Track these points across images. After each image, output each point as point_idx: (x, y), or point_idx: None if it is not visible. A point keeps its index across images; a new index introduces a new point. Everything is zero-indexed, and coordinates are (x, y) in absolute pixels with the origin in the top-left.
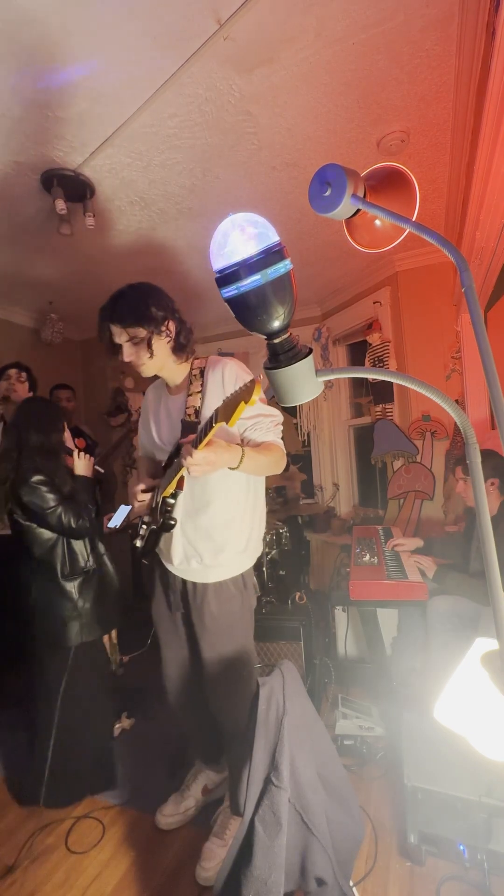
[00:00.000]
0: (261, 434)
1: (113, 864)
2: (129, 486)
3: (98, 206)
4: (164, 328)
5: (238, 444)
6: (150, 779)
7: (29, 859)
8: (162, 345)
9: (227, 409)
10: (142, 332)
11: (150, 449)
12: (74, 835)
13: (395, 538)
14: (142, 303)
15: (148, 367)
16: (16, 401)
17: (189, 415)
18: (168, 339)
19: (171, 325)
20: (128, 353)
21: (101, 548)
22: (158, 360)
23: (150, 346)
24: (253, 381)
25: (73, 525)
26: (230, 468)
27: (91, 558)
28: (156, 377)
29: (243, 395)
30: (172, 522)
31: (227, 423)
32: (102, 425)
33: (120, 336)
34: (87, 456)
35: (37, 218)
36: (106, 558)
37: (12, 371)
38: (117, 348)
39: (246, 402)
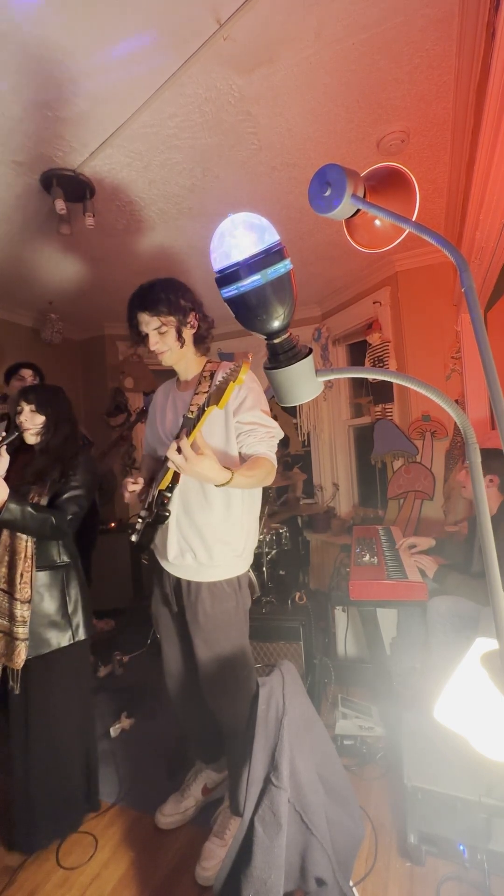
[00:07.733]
0: (254, 441)
1: (113, 863)
2: None
3: (98, 206)
4: (189, 319)
5: (230, 470)
6: (150, 779)
7: (29, 859)
8: (188, 335)
9: (218, 392)
10: (172, 321)
11: (154, 444)
12: (73, 837)
13: (407, 538)
14: (172, 293)
15: (170, 355)
16: None
17: (191, 412)
18: (193, 329)
19: (195, 317)
20: (154, 341)
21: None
22: (182, 348)
23: (179, 334)
24: (240, 364)
25: None
26: (216, 485)
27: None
28: (164, 377)
29: (231, 376)
30: (166, 514)
31: (217, 406)
32: (102, 425)
33: (148, 324)
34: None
35: (36, 218)
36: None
37: (27, 372)
38: (143, 338)
39: (234, 382)
